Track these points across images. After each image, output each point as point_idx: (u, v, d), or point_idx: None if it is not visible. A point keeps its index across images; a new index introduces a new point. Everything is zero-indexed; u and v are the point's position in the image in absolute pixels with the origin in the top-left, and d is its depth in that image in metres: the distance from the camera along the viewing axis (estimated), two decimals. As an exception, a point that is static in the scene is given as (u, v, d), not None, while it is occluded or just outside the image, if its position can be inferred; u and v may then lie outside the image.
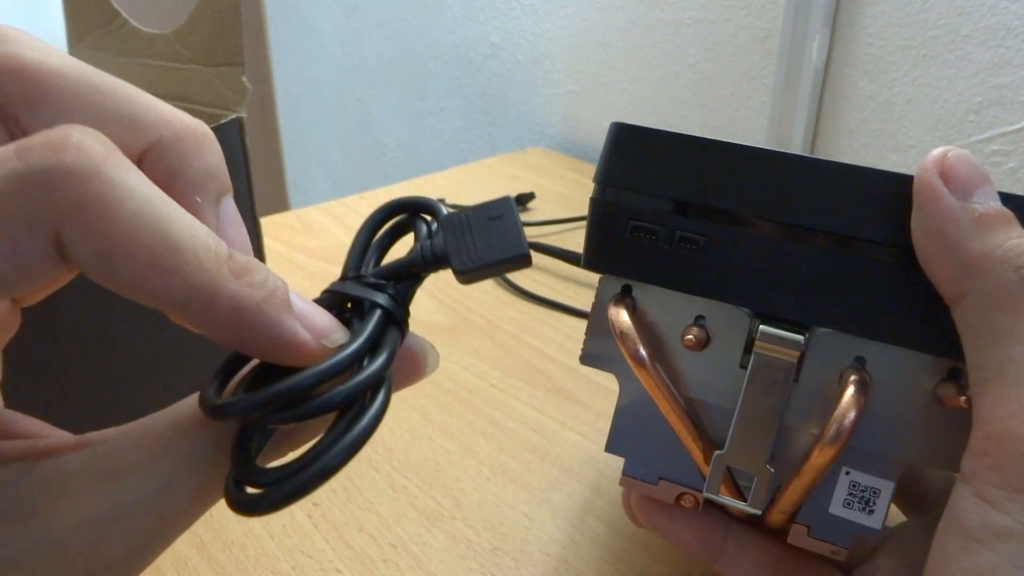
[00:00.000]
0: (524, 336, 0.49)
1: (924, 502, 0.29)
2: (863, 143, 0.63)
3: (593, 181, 0.25)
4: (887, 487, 0.24)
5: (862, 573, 0.26)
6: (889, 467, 0.24)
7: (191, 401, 0.18)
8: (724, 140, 0.24)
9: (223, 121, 0.37)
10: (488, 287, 0.56)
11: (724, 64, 0.71)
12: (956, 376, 0.23)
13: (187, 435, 0.17)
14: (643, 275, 0.25)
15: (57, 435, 0.18)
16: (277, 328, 0.16)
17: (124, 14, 0.44)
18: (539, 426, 0.41)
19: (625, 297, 0.26)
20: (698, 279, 0.24)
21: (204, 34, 0.40)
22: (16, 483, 0.16)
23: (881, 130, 0.62)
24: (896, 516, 0.29)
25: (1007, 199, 0.21)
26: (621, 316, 0.25)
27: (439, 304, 0.53)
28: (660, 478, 0.26)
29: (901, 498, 0.29)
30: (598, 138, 0.85)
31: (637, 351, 0.25)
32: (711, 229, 0.24)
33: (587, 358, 0.27)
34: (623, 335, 0.25)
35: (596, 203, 0.25)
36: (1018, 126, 0.54)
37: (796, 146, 0.66)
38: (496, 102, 0.97)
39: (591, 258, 0.26)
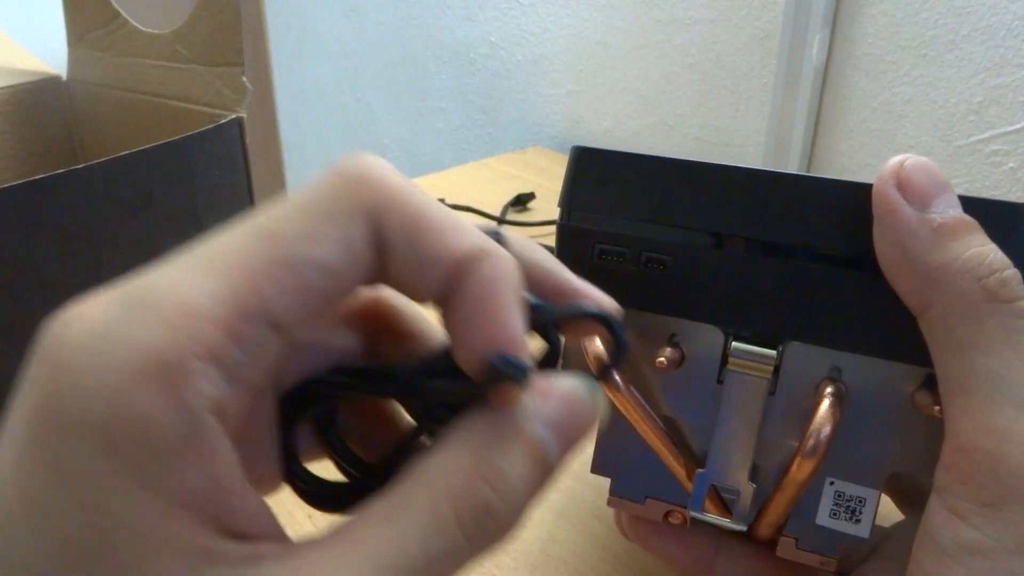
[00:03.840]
0: (524, 336, 0.49)
1: (919, 498, 0.28)
2: (863, 143, 0.63)
3: (558, 206, 0.25)
4: (872, 495, 0.24)
5: None
6: (873, 475, 0.24)
7: (368, 533, 0.16)
8: (684, 158, 0.24)
9: (223, 121, 0.37)
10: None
11: (724, 64, 0.71)
12: (932, 383, 0.22)
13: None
14: (613, 298, 0.25)
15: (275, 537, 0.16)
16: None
17: (124, 14, 0.44)
18: (539, 426, 0.41)
19: None
20: (667, 299, 0.24)
21: (204, 34, 0.40)
22: None
23: (881, 130, 0.62)
24: (895, 514, 0.29)
25: (969, 204, 0.21)
26: (593, 341, 0.25)
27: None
28: (647, 497, 0.26)
29: (896, 494, 0.29)
30: (598, 138, 0.85)
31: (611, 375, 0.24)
32: (677, 249, 0.24)
33: None
34: (596, 359, 0.25)
35: (562, 228, 0.25)
36: (1018, 126, 0.54)
37: (796, 146, 0.66)
38: (496, 102, 0.97)
39: None
